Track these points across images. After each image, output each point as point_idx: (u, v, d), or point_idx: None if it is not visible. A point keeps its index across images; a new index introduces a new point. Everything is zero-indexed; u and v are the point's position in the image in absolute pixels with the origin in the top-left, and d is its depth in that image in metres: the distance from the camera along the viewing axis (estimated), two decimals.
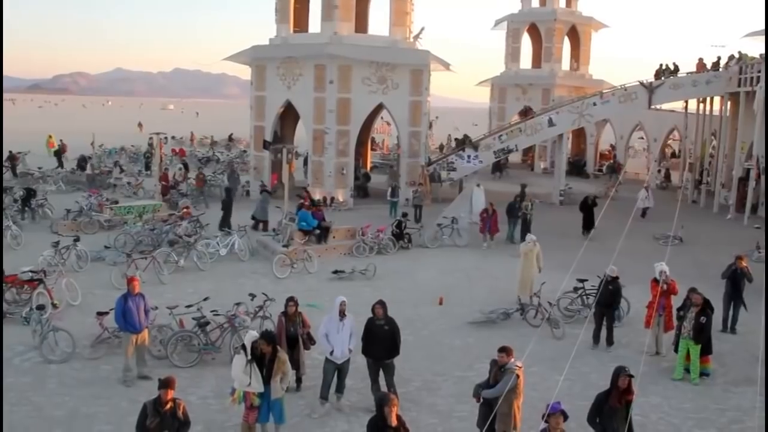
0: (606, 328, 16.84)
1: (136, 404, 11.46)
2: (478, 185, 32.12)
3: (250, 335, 11.69)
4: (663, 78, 39.53)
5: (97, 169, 42.21)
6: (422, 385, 14.43)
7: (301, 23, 39.31)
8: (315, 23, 38.51)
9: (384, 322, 12.89)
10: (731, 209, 35.56)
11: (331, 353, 12.88)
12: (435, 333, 17.61)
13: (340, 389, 13.20)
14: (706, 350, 15.30)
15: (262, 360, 11.43)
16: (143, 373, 14.04)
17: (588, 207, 29.59)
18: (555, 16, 55.70)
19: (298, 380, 13.83)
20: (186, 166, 42.79)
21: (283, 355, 11.76)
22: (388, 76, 35.72)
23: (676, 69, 40.16)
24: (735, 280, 18.24)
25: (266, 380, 11.41)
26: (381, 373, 13.11)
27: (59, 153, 48.26)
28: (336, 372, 13.02)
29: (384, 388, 12.90)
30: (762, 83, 33.60)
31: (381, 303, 13.05)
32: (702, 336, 14.85)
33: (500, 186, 41.40)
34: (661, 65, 40.78)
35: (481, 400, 11.06)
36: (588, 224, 29.01)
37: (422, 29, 37.94)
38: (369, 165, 44.00)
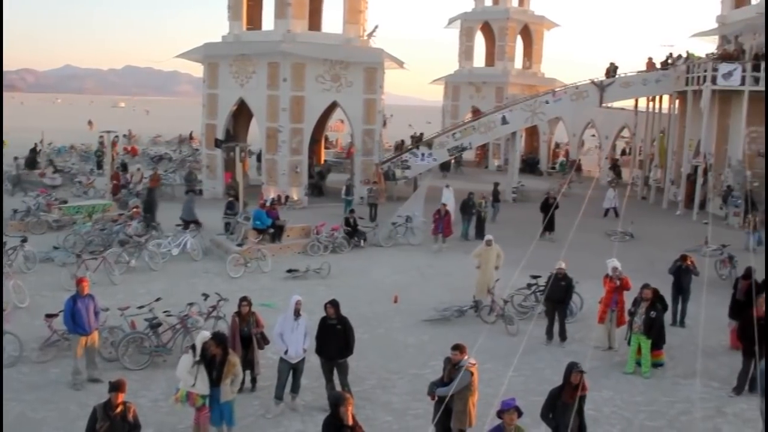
0: (558, 324, 17.00)
1: (85, 408, 11.27)
2: (447, 186, 32.18)
3: (202, 335, 11.58)
4: (612, 77, 40.03)
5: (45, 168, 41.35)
6: (377, 383, 14.42)
7: (254, 21, 39.05)
8: (268, 21, 38.34)
9: (336, 322, 12.85)
10: (680, 205, 36.18)
11: (286, 353, 12.81)
12: (390, 331, 17.61)
13: (294, 389, 13.12)
14: (657, 344, 15.55)
15: (213, 361, 11.32)
16: (93, 376, 13.80)
17: (548, 207, 28.41)
18: (508, 15, 56.12)
19: (253, 380, 13.74)
20: (125, 166, 42.15)
21: (234, 357, 11.65)
22: (342, 74, 35.67)
23: (615, 69, 40.56)
24: (679, 276, 18.60)
25: (216, 382, 11.31)
26: (335, 372, 13.08)
27: (35, 151, 46.64)
28: (291, 372, 12.94)
29: (338, 387, 12.87)
30: (708, 83, 34.19)
31: (333, 302, 13.02)
32: (652, 330, 15.07)
33: (454, 184, 41.57)
34: (611, 64, 41.32)
35: (436, 398, 11.07)
36: (548, 225, 28.60)
37: (376, 27, 37.95)
38: (323, 163, 43.88)
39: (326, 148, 52.18)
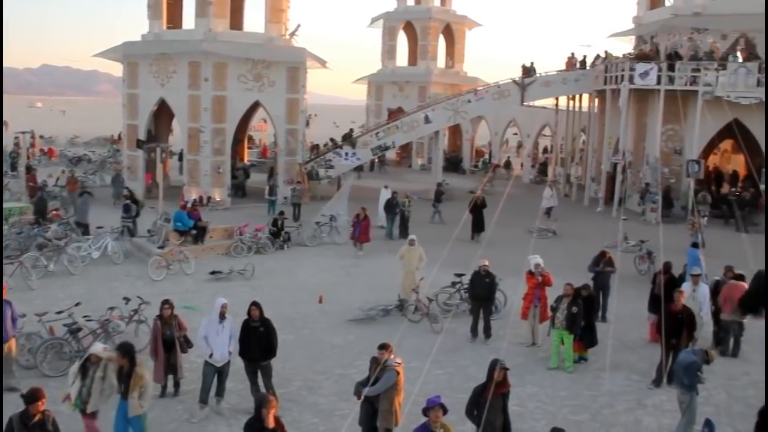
0: (483, 321, 17.16)
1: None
2: (385, 186, 31.94)
3: (94, 347, 11.24)
4: (531, 76, 40.61)
5: None
6: (303, 384, 14.33)
7: (174, 19, 38.39)
8: (189, 19, 37.76)
9: (259, 324, 12.75)
10: (600, 202, 36.96)
11: (211, 356, 12.66)
12: (315, 331, 17.53)
13: (220, 392, 12.97)
14: (591, 343, 15.87)
15: (121, 373, 10.97)
16: (10, 385, 13.29)
17: (477, 209, 28.32)
18: (430, 14, 56.46)
19: (176, 385, 13.52)
20: (29, 168, 40.80)
21: (142, 369, 11.17)
22: (264, 73, 35.38)
23: (530, 70, 41.13)
24: (599, 271, 18.98)
25: (124, 396, 11.00)
26: (260, 374, 12.97)
27: None
28: (216, 375, 12.80)
29: (263, 389, 12.76)
30: (625, 82, 35.03)
31: (256, 304, 12.93)
32: (574, 325, 15.34)
33: (377, 183, 41.68)
34: (531, 63, 41.93)
35: (362, 397, 11.07)
36: (477, 227, 28.32)
37: (298, 26, 37.79)
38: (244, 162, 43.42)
39: (249, 148, 51.70)
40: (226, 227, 26.52)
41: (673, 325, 14.47)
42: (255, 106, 37.99)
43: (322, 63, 38.74)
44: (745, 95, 33.04)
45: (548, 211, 33.73)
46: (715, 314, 16.82)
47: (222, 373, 12.83)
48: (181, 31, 37.40)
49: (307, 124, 41.78)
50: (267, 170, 41.43)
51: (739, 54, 34.56)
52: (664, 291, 16.53)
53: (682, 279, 17.59)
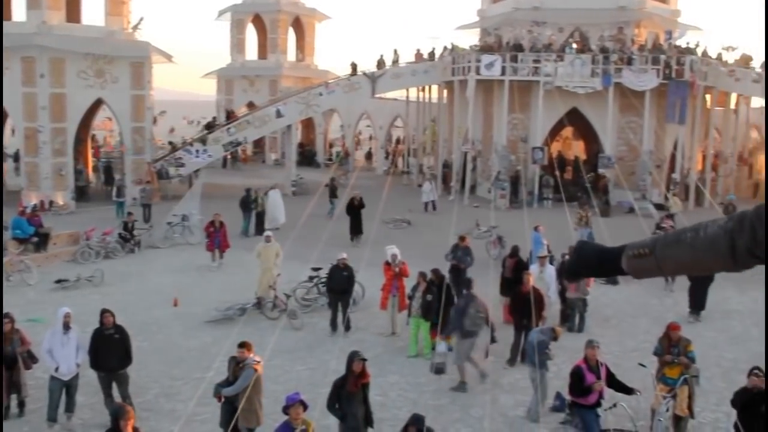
0: (342, 314, 17.15)
1: None
2: (273, 187, 30.91)
3: None
4: (384, 68, 40.98)
5: None
6: (160, 391, 13.86)
7: (2, 11, 36.14)
8: (19, 11, 35.56)
9: (114, 331, 12.22)
10: (452, 191, 37.76)
11: (57, 370, 12.01)
12: (171, 336, 17.01)
13: (69, 408, 12.32)
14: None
15: None
16: None
17: (355, 209, 27.30)
18: (278, 7, 55.85)
19: (21, 404, 12.72)
20: None
21: None
22: (106, 69, 33.95)
23: (382, 62, 41.45)
24: (457, 259, 19.32)
25: None
26: (114, 384, 12.44)
27: None
28: (64, 389, 12.15)
29: (118, 399, 12.24)
30: (472, 73, 35.91)
31: (108, 311, 12.39)
32: (429, 312, 15.51)
33: (232, 179, 41.01)
34: (381, 56, 42.27)
35: (223, 399, 10.84)
36: (356, 228, 27.16)
37: (141, 19, 36.48)
38: (90, 164, 41.58)
39: (93, 147, 49.59)
40: (71, 232, 25.34)
41: (523, 306, 14.93)
42: (98, 104, 36.44)
43: (168, 57, 37.61)
44: (582, 85, 34.67)
45: (430, 206, 34.02)
46: (562, 293, 17.52)
47: (70, 386, 12.19)
48: (11, 24, 35.08)
49: (154, 121, 40.49)
50: (102, 171, 39.94)
51: (574, 46, 36.13)
52: (514, 274, 17.18)
53: (530, 261, 18.18)
